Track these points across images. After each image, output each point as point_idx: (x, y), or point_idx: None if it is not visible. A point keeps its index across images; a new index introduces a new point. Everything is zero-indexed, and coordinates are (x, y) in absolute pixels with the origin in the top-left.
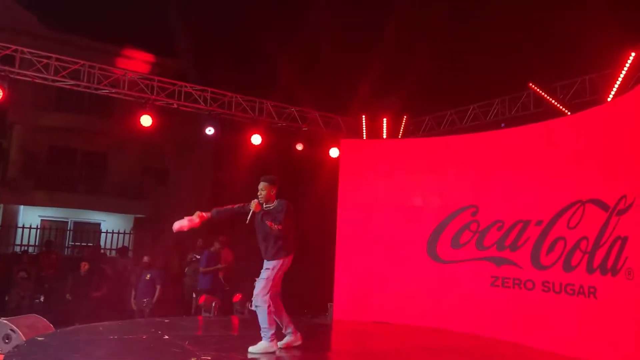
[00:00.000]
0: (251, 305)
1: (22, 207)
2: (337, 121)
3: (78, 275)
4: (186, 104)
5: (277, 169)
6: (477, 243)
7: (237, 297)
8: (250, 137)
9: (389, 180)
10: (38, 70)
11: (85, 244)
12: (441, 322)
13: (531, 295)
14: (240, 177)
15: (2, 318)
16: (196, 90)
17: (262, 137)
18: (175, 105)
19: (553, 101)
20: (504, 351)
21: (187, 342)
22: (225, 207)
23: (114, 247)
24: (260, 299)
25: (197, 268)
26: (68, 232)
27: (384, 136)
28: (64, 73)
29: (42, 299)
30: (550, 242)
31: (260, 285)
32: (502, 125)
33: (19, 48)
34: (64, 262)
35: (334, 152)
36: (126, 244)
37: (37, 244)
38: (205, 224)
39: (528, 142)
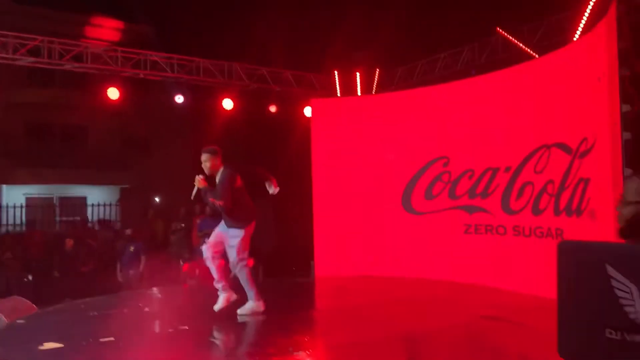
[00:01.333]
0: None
1: (4, 186)
2: (310, 79)
3: (64, 251)
4: (153, 72)
5: (251, 132)
6: (450, 193)
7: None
8: (221, 102)
9: (361, 136)
10: None
11: (72, 218)
12: (419, 272)
13: (503, 240)
14: (218, 142)
15: None
16: (162, 58)
17: (234, 101)
18: (141, 75)
19: (521, 45)
20: (480, 295)
21: (168, 313)
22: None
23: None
24: (240, 266)
25: (182, 236)
26: (55, 207)
27: (358, 91)
28: (22, 51)
29: (30, 278)
30: (519, 187)
31: (235, 254)
32: (473, 72)
33: None
34: (49, 239)
35: (308, 111)
36: (113, 215)
37: (23, 222)
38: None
39: (494, 89)
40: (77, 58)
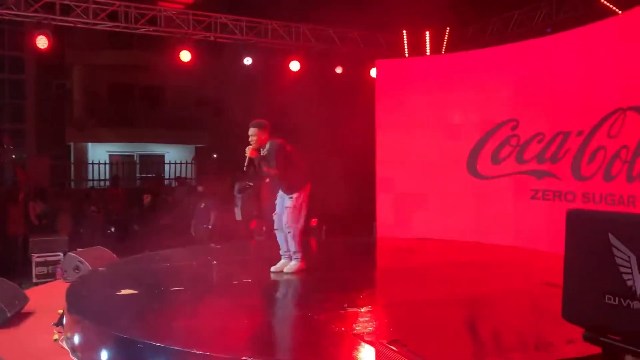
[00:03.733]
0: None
1: (90, 144)
2: (378, 39)
3: (142, 206)
4: (223, 35)
5: (318, 94)
6: (517, 157)
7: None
8: (288, 64)
9: (427, 98)
10: (78, 15)
11: (152, 175)
12: (483, 237)
13: (572, 207)
14: (286, 103)
15: (72, 251)
16: (231, 20)
17: (300, 63)
18: (212, 38)
19: None
20: (545, 262)
21: (234, 266)
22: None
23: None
24: (294, 227)
25: (251, 194)
26: (136, 165)
27: (427, 51)
28: (102, 15)
29: (112, 230)
30: (590, 152)
31: (292, 215)
32: (548, 30)
33: None
34: (130, 195)
35: (374, 72)
36: (188, 173)
37: (107, 178)
38: None
39: (570, 48)
40: (152, 22)
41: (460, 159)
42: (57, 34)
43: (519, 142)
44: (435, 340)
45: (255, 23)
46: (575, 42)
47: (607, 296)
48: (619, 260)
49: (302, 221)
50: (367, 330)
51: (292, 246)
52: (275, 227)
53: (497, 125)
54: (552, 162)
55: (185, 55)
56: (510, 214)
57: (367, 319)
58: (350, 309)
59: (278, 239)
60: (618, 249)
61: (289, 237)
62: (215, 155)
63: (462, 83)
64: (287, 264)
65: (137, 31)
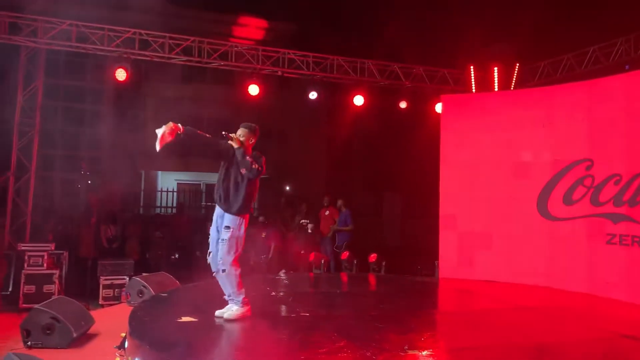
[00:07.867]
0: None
1: (160, 172)
2: (443, 74)
3: (205, 234)
4: (290, 70)
5: (381, 128)
6: (592, 199)
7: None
8: (352, 98)
9: (495, 134)
10: (155, 50)
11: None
12: (553, 282)
13: None
14: (349, 137)
15: (137, 276)
16: (299, 56)
17: (365, 97)
18: (279, 73)
19: None
20: (622, 312)
21: (291, 298)
22: (201, 132)
23: None
24: (229, 263)
25: (312, 228)
26: (202, 193)
27: (496, 87)
28: (177, 50)
29: (176, 256)
30: None
31: (226, 248)
32: (627, 67)
33: (137, 30)
34: (194, 222)
35: (439, 108)
36: (254, 203)
37: (174, 205)
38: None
39: None
40: (223, 56)
41: (529, 199)
42: (134, 68)
43: (594, 183)
44: None
45: (322, 59)
46: None
47: None
48: None
49: (236, 255)
50: None
51: (230, 287)
52: (212, 270)
53: (569, 165)
54: (630, 205)
55: (253, 89)
56: (584, 259)
57: None
58: (410, 352)
59: (220, 282)
60: None
61: (224, 275)
62: (287, 188)
63: (532, 120)
64: (230, 309)
65: (210, 65)
